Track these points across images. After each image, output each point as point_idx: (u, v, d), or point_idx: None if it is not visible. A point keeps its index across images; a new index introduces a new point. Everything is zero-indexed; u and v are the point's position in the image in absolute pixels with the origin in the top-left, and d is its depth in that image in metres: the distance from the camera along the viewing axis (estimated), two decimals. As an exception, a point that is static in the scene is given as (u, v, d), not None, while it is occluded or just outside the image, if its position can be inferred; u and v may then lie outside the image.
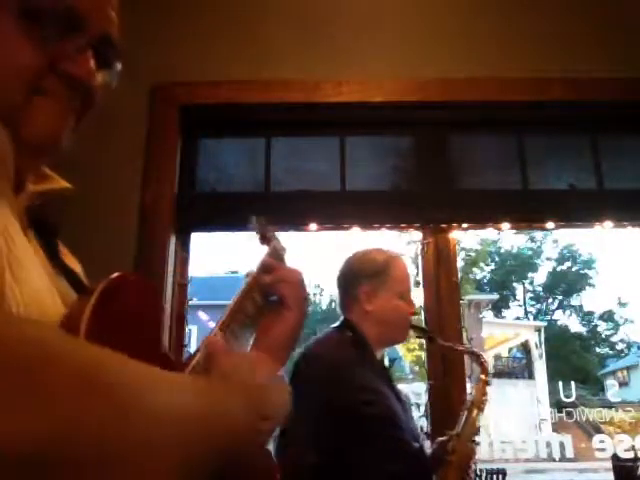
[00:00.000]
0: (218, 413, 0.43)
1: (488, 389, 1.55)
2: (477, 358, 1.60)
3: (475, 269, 22.48)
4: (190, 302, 1.91)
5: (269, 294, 0.83)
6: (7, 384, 0.29)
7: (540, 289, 27.69)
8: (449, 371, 1.83)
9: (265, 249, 0.91)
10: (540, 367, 15.09)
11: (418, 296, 1.94)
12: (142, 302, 0.58)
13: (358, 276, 1.59)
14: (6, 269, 0.45)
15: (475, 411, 1.50)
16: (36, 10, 0.54)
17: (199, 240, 2.05)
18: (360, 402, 1.35)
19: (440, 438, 1.51)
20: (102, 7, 0.60)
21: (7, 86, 0.54)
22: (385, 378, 1.53)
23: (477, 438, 1.50)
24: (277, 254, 0.92)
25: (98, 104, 0.61)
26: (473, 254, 21.10)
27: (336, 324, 1.59)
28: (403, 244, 2.20)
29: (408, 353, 15.89)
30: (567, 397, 9.65)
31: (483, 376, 1.55)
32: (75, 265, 0.66)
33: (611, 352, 24.56)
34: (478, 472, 1.81)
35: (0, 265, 0.45)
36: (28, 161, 0.57)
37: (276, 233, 0.96)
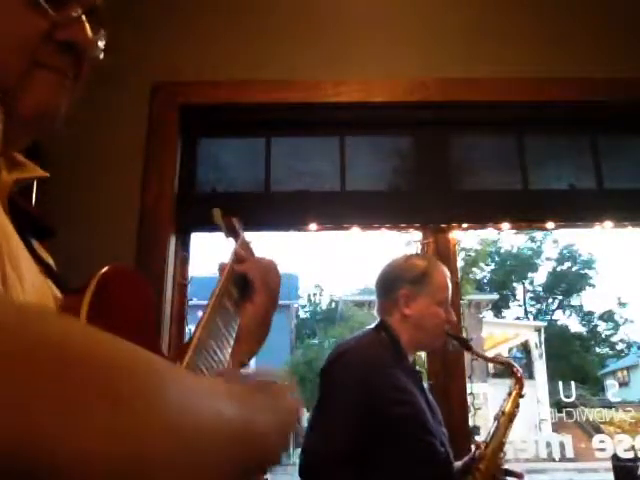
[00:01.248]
0: (249, 424, 0.41)
1: (520, 401, 1.57)
2: (512, 369, 1.62)
3: (475, 269, 22.46)
4: (190, 302, 1.91)
5: (243, 283, 0.83)
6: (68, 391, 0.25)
7: (540, 289, 27.69)
8: (449, 371, 1.83)
9: (233, 242, 0.92)
10: (540, 367, 15.08)
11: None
12: (135, 291, 0.57)
13: (399, 280, 1.60)
14: (7, 264, 0.43)
15: (505, 421, 1.53)
16: None
17: (199, 240, 2.05)
18: (392, 401, 1.37)
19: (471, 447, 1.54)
20: None
21: (7, 56, 0.52)
22: (417, 381, 1.54)
23: (477, 437, 1.51)
24: (246, 246, 0.93)
25: (87, 77, 0.59)
26: (473, 254, 21.09)
27: (372, 325, 1.61)
28: (403, 244, 2.20)
29: (408, 353, 15.86)
30: (567, 397, 9.65)
31: (517, 387, 1.57)
32: (49, 258, 0.63)
33: (611, 352, 24.56)
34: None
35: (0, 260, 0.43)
36: (20, 136, 0.55)
37: (241, 226, 0.97)
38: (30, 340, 0.25)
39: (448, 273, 1.64)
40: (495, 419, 1.54)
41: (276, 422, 0.45)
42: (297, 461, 1.32)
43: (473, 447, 1.51)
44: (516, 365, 1.63)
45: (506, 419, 1.53)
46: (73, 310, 0.47)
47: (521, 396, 1.57)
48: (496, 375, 14.99)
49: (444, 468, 1.41)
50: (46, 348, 0.25)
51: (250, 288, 0.84)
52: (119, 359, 0.30)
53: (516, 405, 1.55)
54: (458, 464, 1.49)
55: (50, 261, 0.62)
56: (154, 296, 0.58)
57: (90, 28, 0.57)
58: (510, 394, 1.57)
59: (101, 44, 0.61)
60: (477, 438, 1.53)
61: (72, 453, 0.24)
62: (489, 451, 1.46)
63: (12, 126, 0.51)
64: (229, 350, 0.71)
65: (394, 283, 1.61)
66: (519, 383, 1.58)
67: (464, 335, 1.88)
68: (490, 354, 1.78)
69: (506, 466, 1.53)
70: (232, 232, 0.96)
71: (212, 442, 0.34)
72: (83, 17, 0.56)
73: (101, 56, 0.62)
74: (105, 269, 0.52)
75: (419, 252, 1.68)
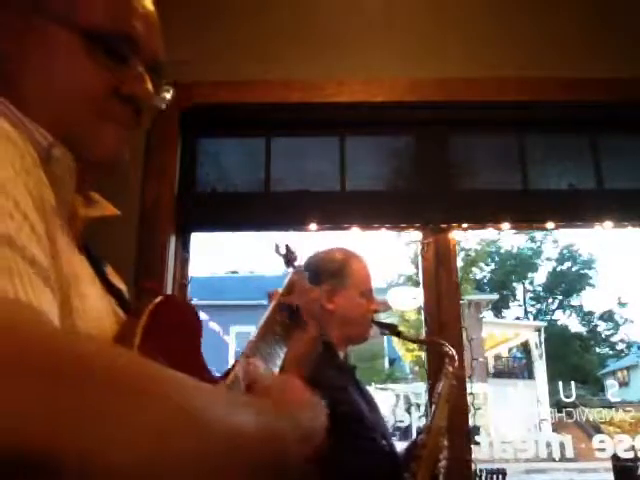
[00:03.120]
0: (271, 432, 0.46)
1: (455, 380, 1.52)
2: (443, 348, 1.58)
3: (475, 269, 22.48)
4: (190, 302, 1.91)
5: (294, 312, 0.88)
6: (98, 402, 0.31)
7: (540, 289, 27.71)
8: (449, 371, 1.83)
9: (289, 271, 0.97)
10: (540, 367, 15.09)
11: (418, 296, 1.94)
12: (184, 319, 0.63)
13: (318, 276, 1.58)
14: (71, 286, 0.48)
15: (443, 403, 1.47)
16: (99, 37, 0.58)
17: (199, 240, 2.05)
18: (329, 401, 1.36)
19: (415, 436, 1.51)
20: (154, 34, 0.66)
21: (77, 112, 0.58)
22: (351, 377, 1.53)
23: (477, 437, 1.49)
24: (301, 275, 0.98)
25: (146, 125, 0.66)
26: (473, 254, 21.11)
27: None
28: (403, 244, 2.20)
29: (408, 353, 15.88)
30: (567, 397, 9.66)
31: (450, 367, 1.53)
32: (120, 284, 0.70)
33: (611, 352, 24.57)
34: (478, 472, 1.80)
35: (66, 282, 0.48)
36: (88, 179, 0.61)
37: (298, 257, 1.03)
38: (72, 362, 0.32)
39: (366, 262, 1.62)
40: (433, 403, 1.49)
41: (299, 431, 0.50)
42: None
43: (415, 434, 1.48)
44: (446, 344, 1.59)
45: (443, 401, 1.48)
46: (131, 332, 0.53)
47: (454, 375, 1.52)
48: (496, 375, 15.00)
49: (389, 461, 1.38)
50: (85, 367, 0.32)
51: (301, 318, 0.89)
52: (144, 376, 0.36)
53: (451, 385, 1.50)
54: (402, 453, 1.46)
55: (121, 286, 0.69)
56: (201, 323, 0.64)
57: (151, 81, 0.63)
58: (445, 374, 1.52)
59: (168, 95, 0.70)
60: (477, 438, 1.50)
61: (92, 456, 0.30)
62: (431, 436, 1.41)
63: (81, 169, 0.57)
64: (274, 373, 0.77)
65: (314, 279, 1.60)
66: (451, 362, 1.53)
67: (464, 335, 1.88)
68: (490, 354, 1.76)
69: (497, 465, 1.51)
70: (291, 263, 1.00)
71: (232, 448, 0.38)
72: (144, 72, 0.62)
73: (163, 106, 0.69)
74: (159, 299, 0.58)
75: (340, 246, 1.65)
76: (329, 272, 1.57)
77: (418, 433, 1.48)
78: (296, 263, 1.00)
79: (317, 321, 0.88)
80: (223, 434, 0.38)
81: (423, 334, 1.91)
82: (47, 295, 0.40)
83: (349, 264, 1.58)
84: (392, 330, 1.66)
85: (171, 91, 0.70)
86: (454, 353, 1.56)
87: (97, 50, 0.58)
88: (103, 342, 0.47)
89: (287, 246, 1.01)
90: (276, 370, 0.79)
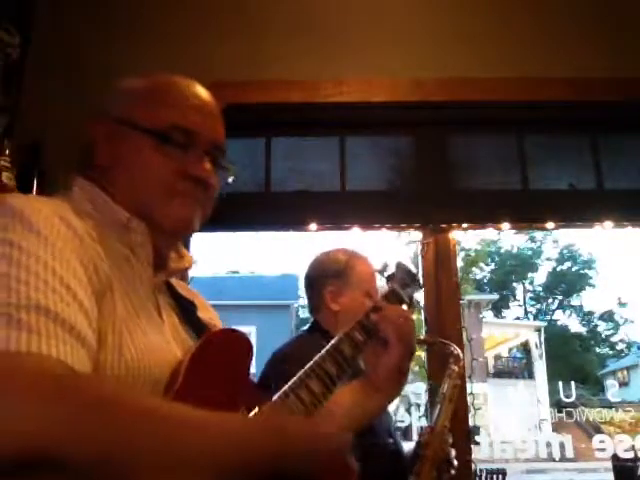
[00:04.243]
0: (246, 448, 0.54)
1: (459, 381, 1.52)
2: (447, 348, 1.58)
3: (475, 269, 22.48)
4: (190, 302, 1.90)
5: (373, 331, 0.91)
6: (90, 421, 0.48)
7: (540, 289, 27.70)
8: (449, 371, 1.82)
9: (385, 287, 1.00)
10: (540, 367, 15.10)
11: (418, 296, 1.94)
12: (234, 355, 0.71)
13: (323, 277, 1.59)
14: (124, 331, 0.64)
15: (447, 403, 1.47)
16: (164, 135, 0.75)
17: (199, 240, 2.04)
18: None
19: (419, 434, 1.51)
20: (212, 125, 0.83)
21: (151, 194, 0.75)
22: (354, 378, 1.53)
23: (477, 437, 1.49)
24: (394, 296, 1.00)
25: (216, 195, 0.83)
26: (473, 254, 21.11)
27: (306, 326, 1.61)
28: (403, 244, 2.19)
29: (408, 353, 15.85)
30: (567, 397, 9.67)
31: (455, 367, 1.53)
32: (211, 317, 0.89)
33: (611, 352, 24.57)
34: (478, 472, 1.80)
35: (117, 329, 0.63)
36: (167, 243, 0.80)
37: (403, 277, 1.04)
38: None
39: (371, 262, 1.63)
40: (437, 402, 1.49)
41: (308, 454, 0.57)
42: None
43: (418, 434, 1.48)
44: (450, 343, 1.58)
45: (447, 401, 1.47)
46: (178, 367, 0.66)
47: (460, 375, 1.52)
48: (496, 375, 15.00)
49: (393, 460, 1.39)
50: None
51: (382, 338, 0.92)
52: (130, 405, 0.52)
53: (455, 385, 1.49)
54: (408, 453, 1.46)
55: (212, 320, 0.87)
56: (250, 356, 0.72)
57: (214, 160, 0.81)
58: (449, 375, 1.51)
59: (230, 178, 0.87)
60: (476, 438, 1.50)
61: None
62: (435, 435, 1.41)
63: (160, 238, 0.76)
64: (332, 392, 0.81)
65: (319, 280, 1.60)
66: (456, 362, 1.53)
67: (464, 335, 1.88)
68: (490, 354, 1.75)
69: (497, 465, 1.51)
70: (390, 279, 1.02)
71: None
72: (203, 155, 0.78)
73: (230, 180, 0.88)
74: (213, 331, 0.77)
75: (343, 247, 1.65)
76: (333, 273, 1.58)
77: (421, 434, 1.47)
78: (394, 285, 1.01)
79: (405, 345, 0.90)
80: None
81: (424, 334, 1.91)
82: (78, 351, 0.55)
83: (353, 265, 1.59)
84: None
85: (232, 169, 0.87)
86: (459, 353, 1.56)
87: (164, 145, 0.75)
88: (115, 384, 0.61)
89: (401, 264, 1.03)
90: (334, 388, 0.82)
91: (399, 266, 1.03)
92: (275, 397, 0.70)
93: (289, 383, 0.70)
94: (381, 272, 1.01)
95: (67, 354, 0.53)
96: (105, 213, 0.73)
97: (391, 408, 1.69)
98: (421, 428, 1.51)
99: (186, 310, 0.82)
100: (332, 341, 0.82)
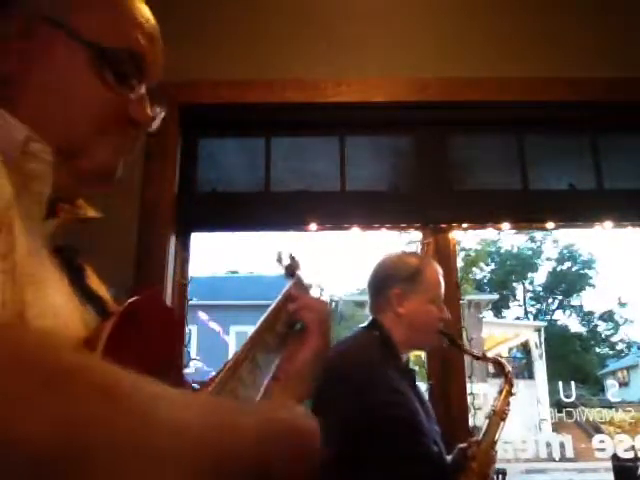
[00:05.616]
0: (224, 427, 0.40)
1: (511, 399, 1.56)
2: (501, 367, 1.61)
3: (475, 269, 22.48)
4: (190, 302, 1.91)
5: (293, 322, 0.84)
6: (29, 387, 0.30)
7: (540, 289, 27.70)
8: (449, 371, 1.83)
9: (289, 281, 0.94)
10: (540, 367, 15.09)
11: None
12: (160, 323, 0.59)
13: (391, 278, 1.59)
14: (25, 286, 0.47)
15: (497, 420, 1.51)
16: (106, 53, 0.58)
17: (199, 240, 2.05)
18: (385, 403, 1.36)
19: (461, 445, 1.52)
20: (160, 57, 0.67)
21: (78, 127, 0.59)
22: (410, 380, 1.53)
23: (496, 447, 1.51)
24: (301, 285, 0.94)
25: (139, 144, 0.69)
26: (473, 254, 21.10)
27: (364, 324, 1.60)
28: (403, 244, 2.20)
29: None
30: (567, 397, 9.65)
31: (507, 386, 1.56)
32: (100, 288, 0.68)
33: (611, 352, 24.57)
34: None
35: (17, 278, 0.46)
36: (83, 189, 0.63)
37: (300, 267, 0.99)
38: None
39: (440, 270, 1.64)
40: (487, 417, 1.53)
41: (258, 425, 0.43)
42: None
43: (465, 445, 1.49)
44: (506, 363, 1.62)
45: (497, 418, 1.52)
46: (96, 337, 0.50)
47: (512, 394, 1.56)
48: (496, 375, 14.99)
49: (437, 467, 1.40)
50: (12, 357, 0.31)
51: (300, 330, 0.84)
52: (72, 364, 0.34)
53: (507, 404, 1.54)
54: (448, 461, 1.48)
55: (100, 291, 0.67)
56: (180, 328, 0.58)
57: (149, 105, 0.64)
58: (501, 393, 1.56)
59: (160, 117, 0.70)
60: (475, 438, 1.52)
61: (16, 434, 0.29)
62: (482, 450, 1.45)
63: (77, 181, 0.60)
64: (262, 385, 0.73)
65: (386, 282, 1.60)
66: (509, 382, 1.57)
67: (464, 335, 1.88)
68: (490, 354, 1.76)
69: (497, 465, 1.53)
70: (290, 273, 0.98)
71: (177, 447, 0.35)
72: (145, 96, 0.63)
73: (154, 127, 0.70)
74: (133, 299, 0.55)
75: (413, 250, 1.68)
76: (402, 276, 1.58)
77: (464, 445, 1.49)
78: (298, 273, 0.98)
79: (323, 336, 0.85)
80: (166, 427, 0.35)
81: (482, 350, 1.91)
82: None
83: (424, 270, 1.59)
84: (454, 342, 1.66)
85: (163, 114, 0.70)
86: (511, 372, 1.59)
87: (104, 68, 0.58)
88: (42, 332, 0.44)
89: (291, 255, 1.00)
90: (263, 380, 0.75)
91: (293, 257, 1.01)
92: (212, 385, 0.58)
93: (219, 374, 0.62)
94: (278, 262, 0.98)
95: None
96: None
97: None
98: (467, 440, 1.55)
99: (74, 273, 0.62)
100: (254, 333, 0.76)
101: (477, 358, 1.68)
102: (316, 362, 0.81)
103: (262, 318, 0.80)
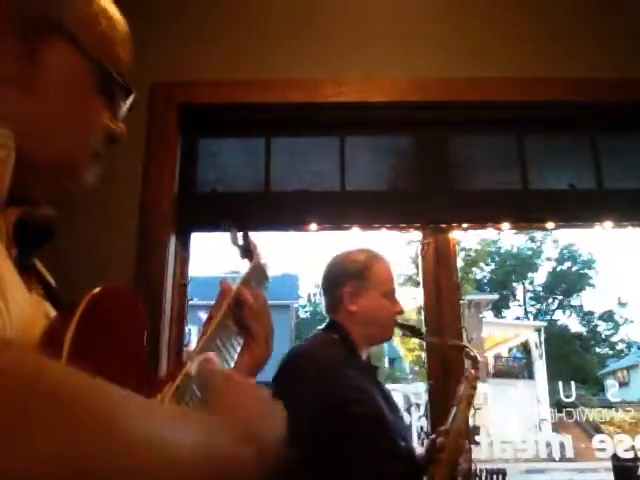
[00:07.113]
0: (212, 445, 0.41)
1: (477, 384, 1.52)
2: (465, 352, 1.59)
3: (475, 269, 22.48)
4: (190, 302, 1.91)
5: (242, 324, 0.85)
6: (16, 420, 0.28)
7: (540, 289, 27.72)
8: (449, 371, 1.82)
9: (246, 265, 0.93)
10: (540, 367, 15.09)
11: (418, 296, 1.94)
12: (125, 314, 0.56)
13: (340, 277, 1.59)
14: None
15: (463, 406, 1.46)
16: (111, 81, 0.58)
17: (199, 240, 2.05)
18: (349, 401, 1.35)
19: (431, 436, 1.50)
20: (130, 61, 0.64)
21: (75, 148, 0.57)
22: (372, 378, 1.53)
23: (477, 437, 1.48)
24: (259, 272, 0.94)
25: None
26: (473, 254, 21.11)
27: (322, 326, 1.60)
28: (403, 244, 2.20)
29: (408, 353, 15.88)
30: (567, 397, 9.65)
31: (473, 370, 1.53)
32: (47, 275, 0.64)
33: (611, 352, 24.58)
34: (478, 472, 1.80)
35: None
36: (45, 193, 0.59)
37: (256, 244, 0.98)
38: None
39: (389, 263, 1.63)
40: (454, 405, 1.48)
41: (242, 437, 0.44)
42: None
43: (434, 435, 1.45)
44: (469, 346, 1.60)
45: (464, 404, 1.47)
46: (59, 333, 0.46)
47: (477, 378, 1.52)
48: (496, 375, 15.00)
49: (407, 462, 1.38)
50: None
51: (249, 334, 0.85)
52: (66, 387, 0.32)
53: (473, 388, 1.49)
54: (419, 454, 1.46)
55: (49, 279, 0.63)
56: (145, 318, 0.57)
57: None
58: (467, 377, 1.51)
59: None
60: (476, 438, 1.49)
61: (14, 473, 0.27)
62: (450, 438, 1.40)
63: (45, 185, 0.57)
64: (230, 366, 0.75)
65: (337, 281, 1.59)
66: (475, 367, 1.53)
67: (464, 335, 1.88)
68: (490, 354, 1.75)
69: (497, 465, 1.50)
70: (249, 255, 0.97)
71: (165, 462, 0.34)
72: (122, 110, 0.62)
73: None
74: (95, 290, 0.51)
75: (364, 247, 1.65)
76: (351, 273, 1.58)
77: (433, 436, 1.46)
78: (255, 255, 0.97)
79: (267, 346, 0.85)
80: (155, 451, 0.34)
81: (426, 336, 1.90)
82: None
83: (372, 265, 1.58)
84: (415, 332, 1.65)
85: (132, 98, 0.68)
86: (477, 356, 1.56)
87: (101, 91, 0.57)
88: (24, 350, 0.39)
89: (245, 235, 0.98)
90: (231, 365, 0.78)
91: (247, 236, 0.98)
92: (179, 378, 0.57)
93: (185, 361, 0.62)
94: (233, 242, 0.97)
95: None
96: None
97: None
98: (421, 428, 1.52)
99: (28, 265, 0.58)
100: (216, 319, 0.78)
101: (440, 345, 1.67)
102: (258, 368, 0.85)
103: (217, 305, 0.82)
